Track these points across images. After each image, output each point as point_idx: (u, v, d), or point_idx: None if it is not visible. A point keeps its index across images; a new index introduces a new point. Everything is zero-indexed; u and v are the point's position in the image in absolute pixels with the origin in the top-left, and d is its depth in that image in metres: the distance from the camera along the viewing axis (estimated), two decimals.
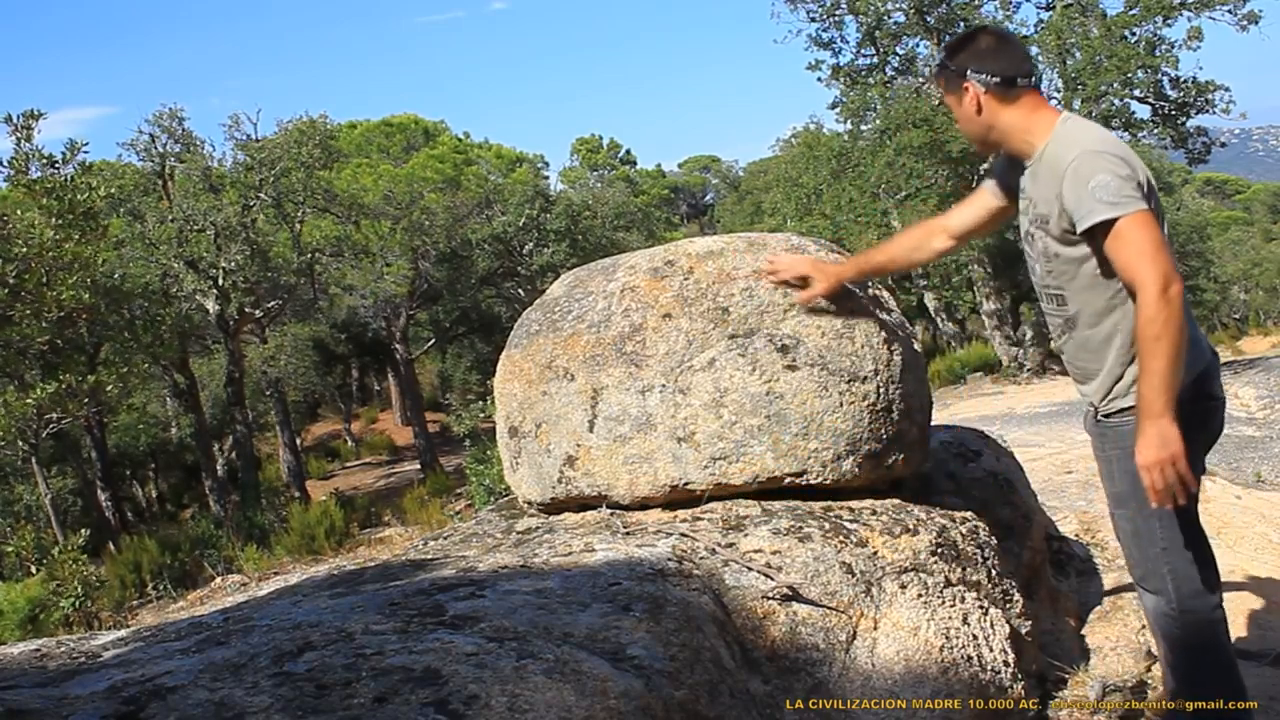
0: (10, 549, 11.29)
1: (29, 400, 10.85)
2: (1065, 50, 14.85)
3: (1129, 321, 2.05)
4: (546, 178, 24.04)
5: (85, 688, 1.46)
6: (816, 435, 2.44)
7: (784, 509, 2.44)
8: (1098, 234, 1.97)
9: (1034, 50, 15.51)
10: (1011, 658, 2.36)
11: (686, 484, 2.48)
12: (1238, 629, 3.15)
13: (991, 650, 2.32)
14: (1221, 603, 2.18)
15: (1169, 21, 14.63)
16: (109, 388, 11.99)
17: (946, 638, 2.23)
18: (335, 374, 26.68)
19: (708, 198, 49.65)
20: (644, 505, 2.56)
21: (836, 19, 16.74)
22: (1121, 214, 1.92)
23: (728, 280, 2.57)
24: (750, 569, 2.14)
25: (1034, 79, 2.15)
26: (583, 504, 2.65)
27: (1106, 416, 2.17)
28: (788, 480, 2.47)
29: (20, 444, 11.63)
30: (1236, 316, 35.44)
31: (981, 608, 2.39)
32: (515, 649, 1.57)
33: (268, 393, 19.37)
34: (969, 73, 2.12)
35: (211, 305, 15.56)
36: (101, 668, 1.60)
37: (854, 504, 2.53)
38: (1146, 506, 2.02)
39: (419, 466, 20.21)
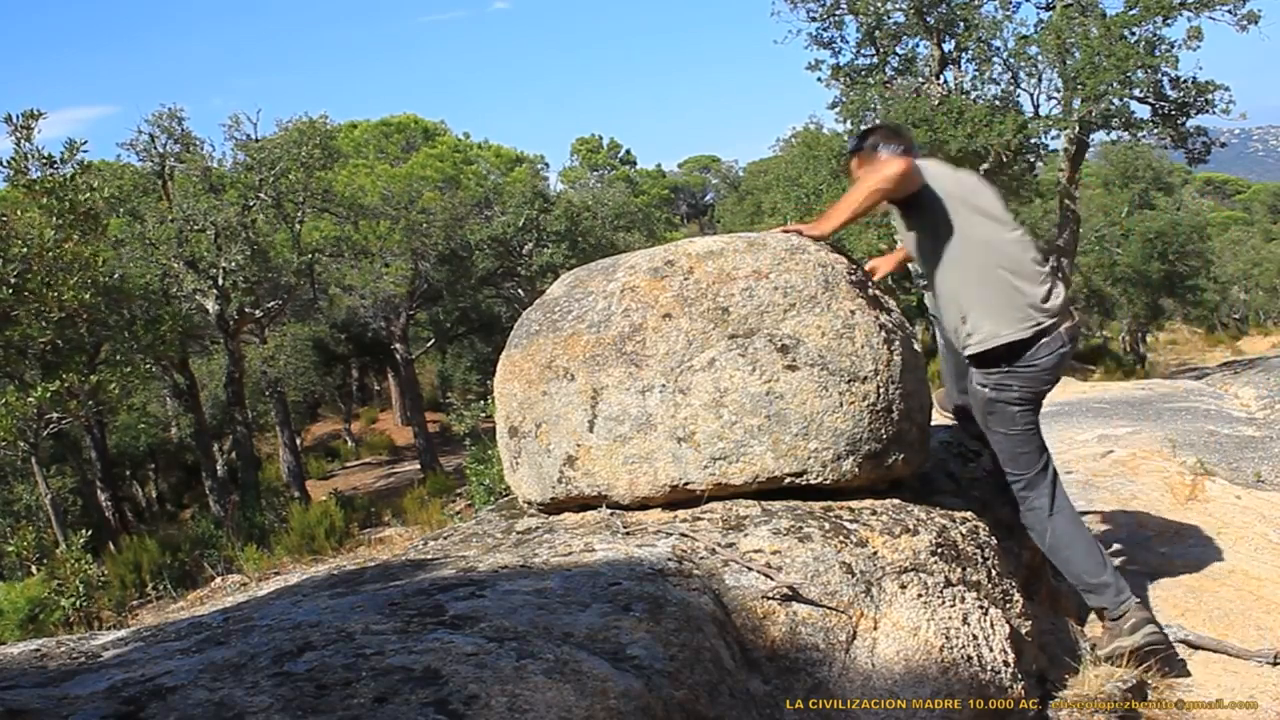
0: (10, 549, 11.29)
1: (29, 400, 10.84)
2: (1065, 50, 14.84)
3: (954, 278, 2.79)
4: (546, 178, 24.02)
5: (85, 688, 1.46)
6: (816, 435, 2.44)
7: (784, 509, 2.44)
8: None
9: (1034, 50, 15.52)
10: (1011, 658, 2.36)
11: (686, 484, 2.48)
12: (1238, 629, 3.15)
13: (991, 650, 2.32)
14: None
15: (1169, 21, 14.63)
16: (110, 387, 11.98)
17: (946, 638, 2.23)
18: (335, 374, 26.65)
19: (708, 198, 49.62)
20: (644, 505, 2.56)
21: (836, 19, 16.73)
22: None
23: (728, 280, 2.57)
24: (750, 569, 2.14)
25: (915, 148, 2.99)
26: (583, 504, 2.65)
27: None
28: (788, 480, 2.47)
29: (20, 444, 11.62)
30: (1236, 316, 35.43)
31: (981, 608, 2.39)
32: (515, 649, 1.57)
33: (267, 393, 19.34)
34: (880, 146, 2.90)
35: (211, 305, 15.55)
36: (101, 668, 1.60)
37: (854, 504, 2.53)
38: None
39: (419, 466, 20.20)
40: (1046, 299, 2.74)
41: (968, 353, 2.84)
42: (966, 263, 2.76)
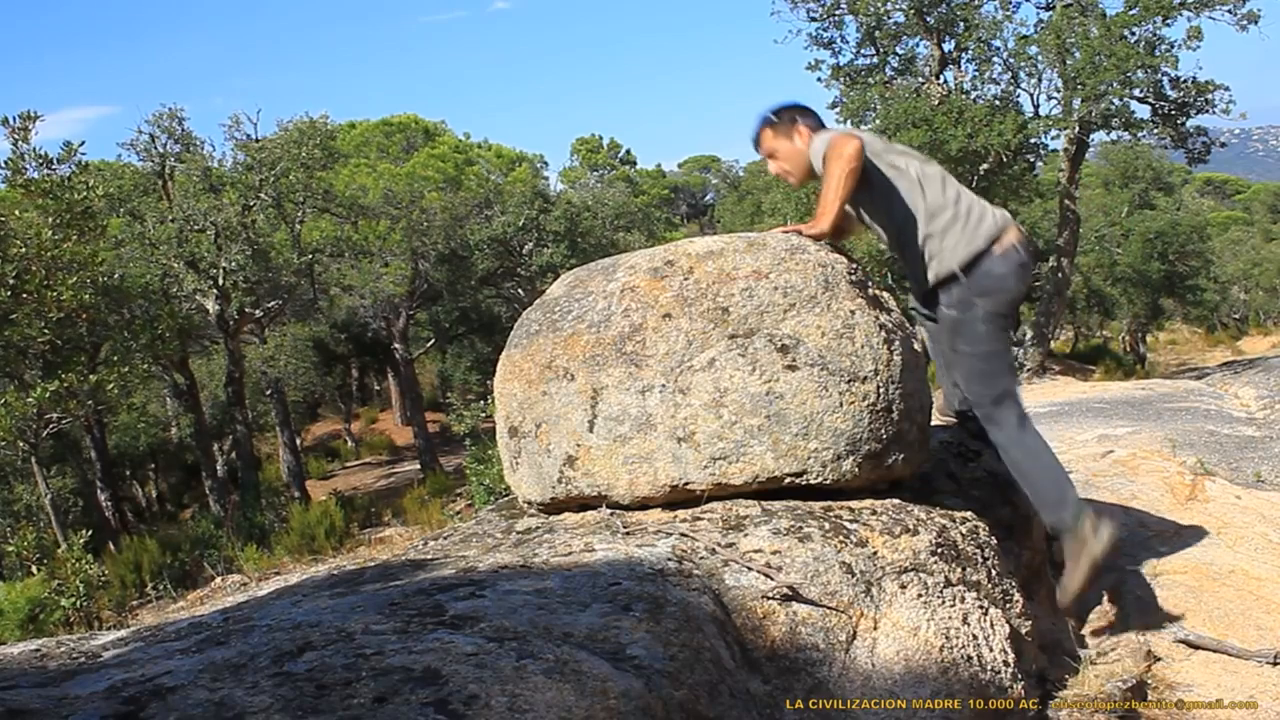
0: (10, 549, 11.29)
1: (29, 400, 10.84)
2: (1065, 50, 14.84)
3: (910, 223, 2.84)
4: (546, 178, 24.01)
5: (85, 688, 1.46)
6: (816, 435, 2.44)
7: (784, 509, 2.44)
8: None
9: (1034, 50, 15.52)
10: (1011, 658, 2.36)
11: (686, 484, 2.48)
12: (1238, 629, 3.15)
13: (991, 650, 2.32)
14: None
15: (1169, 21, 14.63)
16: (109, 387, 11.98)
17: (946, 638, 2.23)
18: (335, 374, 26.63)
19: (708, 198, 49.61)
20: (644, 505, 2.56)
21: (836, 19, 16.72)
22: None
23: (728, 280, 2.57)
24: (750, 569, 2.14)
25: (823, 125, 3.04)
26: (583, 504, 2.65)
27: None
28: (788, 480, 2.47)
29: (20, 444, 11.62)
30: (1236, 316, 35.44)
31: (981, 608, 2.39)
32: (515, 649, 1.57)
33: (268, 393, 19.34)
34: (798, 119, 2.96)
35: (211, 305, 15.54)
36: (101, 668, 1.60)
37: (854, 504, 2.53)
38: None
39: (419, 466, 20.20)
40: (985, 215, 2.84)
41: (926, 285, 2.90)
42: (911, 204, 2.85)
